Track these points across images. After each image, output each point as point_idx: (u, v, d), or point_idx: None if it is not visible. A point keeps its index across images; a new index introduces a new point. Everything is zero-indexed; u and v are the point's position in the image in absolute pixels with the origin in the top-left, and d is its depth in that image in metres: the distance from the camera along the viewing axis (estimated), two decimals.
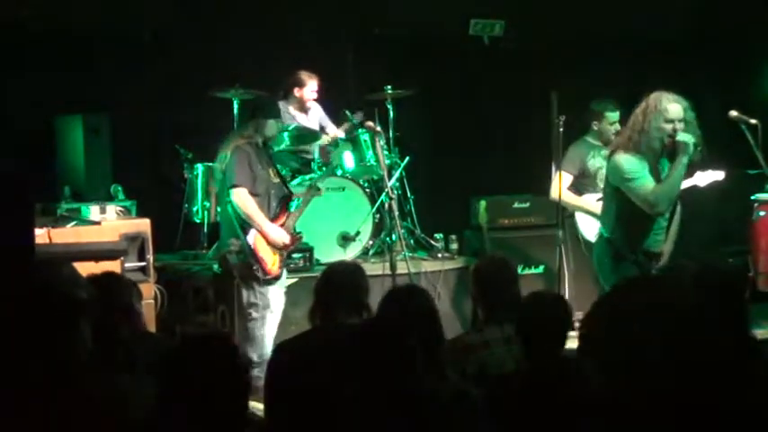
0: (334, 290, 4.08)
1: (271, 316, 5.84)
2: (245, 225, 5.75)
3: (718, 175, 6.33)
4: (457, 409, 3.05)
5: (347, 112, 7.69)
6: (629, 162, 5.18)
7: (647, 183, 5.15)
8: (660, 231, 5.39)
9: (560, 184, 6.49)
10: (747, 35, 8.46)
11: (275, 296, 5.90)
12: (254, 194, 5.78)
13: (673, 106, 5.15)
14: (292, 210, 6.03)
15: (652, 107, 5.16)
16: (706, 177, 6.31)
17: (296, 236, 6.00)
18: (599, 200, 5.93)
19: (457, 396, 3.09)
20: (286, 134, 6.97)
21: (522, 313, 3.74)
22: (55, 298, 2.81)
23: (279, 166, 6.31)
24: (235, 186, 5.72)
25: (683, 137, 5.12)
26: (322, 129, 7.86)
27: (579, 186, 6.73)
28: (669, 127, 5.12)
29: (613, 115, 6.70)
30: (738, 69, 8.54)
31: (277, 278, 5.89)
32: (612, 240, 5.40)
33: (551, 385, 2.16)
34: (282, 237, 5.86)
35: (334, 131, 7.81)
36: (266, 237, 5.79)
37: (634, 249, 5.34)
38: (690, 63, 8.59)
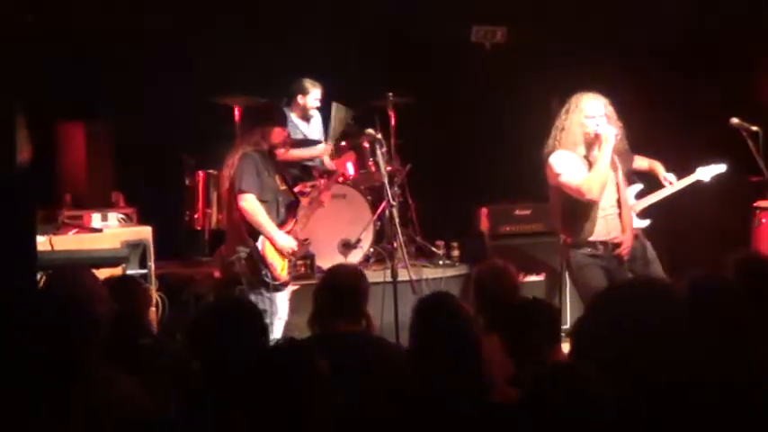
0: (333, 294, 4.05)
1: (278, 323, 5.84)
2: (253, 231, 5.75)
3: (720, 168, 6.35)
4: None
5: (350, 122, 7.69)
6: (557, 159, 5.54)
7: (575, 174, 5.49)
8: (611, 217, 5.58)
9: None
10: (748, 41, 8.45)
11: (283, 303, 5.90)
12: (262, 201, 5.77)
13: (591, 104, 5.53)
14: (299, 217, 6.03)
15: (573, 106, 5.55)
16: (708, 172, 6.34)
17: (303, 243, 6.00)
18: None
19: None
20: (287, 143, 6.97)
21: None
22: (72, 318, 2.84)
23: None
24: (243, 192, 5.72)
25: (604, 129, 5.44)
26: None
27: None
28: (591, 122, 5.48)
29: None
30: (740, 76, 8.52)
31: (286, 284, 5.88)
32: (566, 240, 5.65)
33: (554, 391, 2.15)
34: (290, 243, 5.86)
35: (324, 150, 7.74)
36: (274, 243, 5.78)
37: (587, 239, 5.54)
38: (691, 69, 8.58)
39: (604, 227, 5.56)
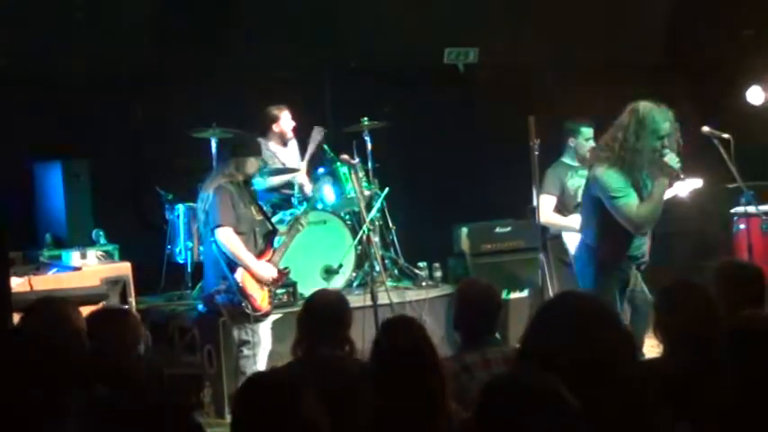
0: (315, 321, 4.04)
1: (262, 352, 5.85)
2: (232, 264, 5.75)
3: (697, 182, 6.39)
4: None
5: (326, 147, 7.69)
6: (614, 179, 5.27)
7: (631, 201, 5.25)
8: (644, 238, 5.50)
9: (539, 208, 6.52)
10: (723, 55, 8.55)
11: (266, 332, 5.90)
12: (239, 233, 5.78)
13: (665, 124, 5.23)
14: (277, 246, 6.04)
15: (646, 125, 5.22)
16: (686, 187, 6.37)
17: (283, 271, 6.01)
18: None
19: None
20: (265, 172, 7.00)
21: None
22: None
23: (260, 203, 6.33)
24: (219, 226, 5.72)
25: (670, 159, 5.22)
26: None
27: (561, 206, 6.80)
28: (659, 144, 5.23)
29: (588, 131, 6.79)
30: (716, 88, 8.59)
31: (267, 315, 5.88)
32: (596, 250, 5.47)
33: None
34: (270, 271, 5.86)
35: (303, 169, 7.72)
36: (254, 274, 5.78)
37: (619, 258, 5.42)
38: (668, 85, 8.64)
39: (636, 246, 5.46)
